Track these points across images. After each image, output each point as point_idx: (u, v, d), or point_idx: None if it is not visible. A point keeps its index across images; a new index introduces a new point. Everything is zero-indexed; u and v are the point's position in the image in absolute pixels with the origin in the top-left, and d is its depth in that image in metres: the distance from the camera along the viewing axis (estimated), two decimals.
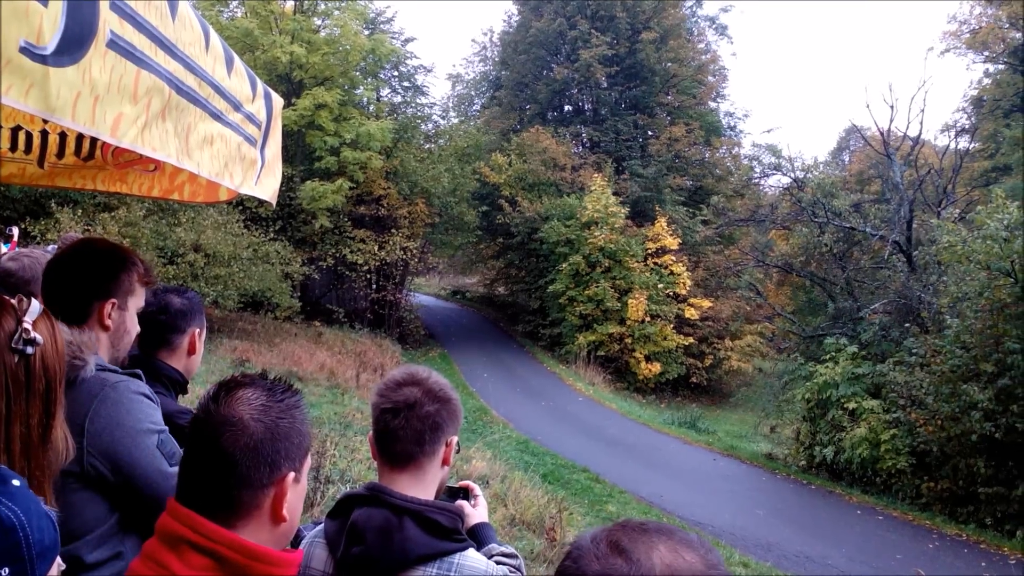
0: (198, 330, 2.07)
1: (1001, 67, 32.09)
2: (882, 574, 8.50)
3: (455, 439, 1.47)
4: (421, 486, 1.41)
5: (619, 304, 23.00)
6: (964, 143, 29.46)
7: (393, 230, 22.64)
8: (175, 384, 2.01)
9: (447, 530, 1.34)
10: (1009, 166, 26.03)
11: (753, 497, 12.09)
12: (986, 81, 32.99)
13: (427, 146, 25.77)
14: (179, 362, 2.04)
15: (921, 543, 10.06)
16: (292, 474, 1.10)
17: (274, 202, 2.19)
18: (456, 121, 29.85)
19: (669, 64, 29.31)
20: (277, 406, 1.10)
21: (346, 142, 20.59)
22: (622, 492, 10.98)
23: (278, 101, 2.11)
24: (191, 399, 2.25)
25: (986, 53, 32.21)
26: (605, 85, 29.49)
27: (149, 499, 1.56)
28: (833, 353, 14.53)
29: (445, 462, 1.46)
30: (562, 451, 12.99)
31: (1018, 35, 31.36)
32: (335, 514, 1.40)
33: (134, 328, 1.83)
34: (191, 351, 2.06)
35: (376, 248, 21.97)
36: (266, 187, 2.11)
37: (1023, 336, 11.08)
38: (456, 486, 1.68)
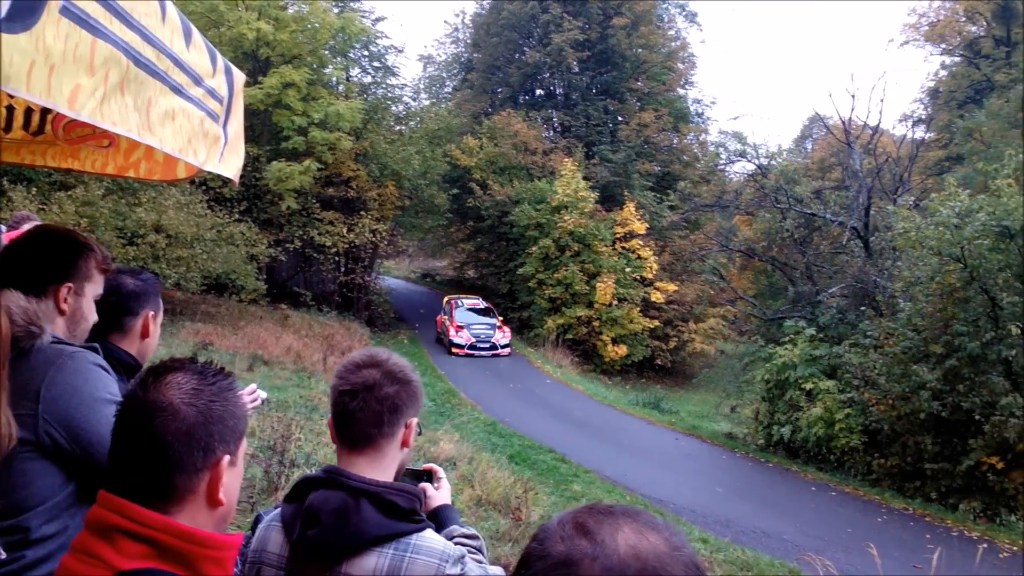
0: (152, 313, 2.02)
1: (957, 60, 32.99)
2: (832, 547, 8.83)
3: (415, 421, 1.47)
4: (380, 468, 1.40)
5: (587, 288, 23.25)
6: (920, 133, 30.28)
7: (362, 212, 22.42)
8: (127, 368, 1.95)
9: (404, 511, 1.34)
10: (962, 155, 26.87)
11: (713, 475, 12.44)
12: (942, 73, 33.94)
13: (397, 128, 25.50)
14: (132, 345, 1.98)
15: (871, 517, 10.49)
16: (227, 457, 1.07)
17: (237, 180, 2.15)
18: (427, 103, 29.60)
19: (640, 50, 29.42)
20: (209, 389, 1.07)
21: (314, 122, 20.24)
22: (587, 472, 11.17)
23: (239, 77, 2.07)
24: None
25: (943, 46, 33.04)
26: (576, 70, 29.49)
27: (105, 469, 1.52)
28: (792, 335, 14.95)
29: (405, 444, 1.45)
30: (530, 432, 13.14)
31: (974, 28, 32.21)
32: (292, 497, 1.39)
33: (91, 315, 1.80)
34: (144, 334, 2.00)
35: (345, 230, 21.74)
36: (230, 165, 2.04)
37: (970, 319, 11.56)
38: (419, 468, 1.68)
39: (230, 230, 16.90)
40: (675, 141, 30.20)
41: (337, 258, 22.95)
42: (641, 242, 24.50)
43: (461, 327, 21.05)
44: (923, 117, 33.20)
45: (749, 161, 21.51)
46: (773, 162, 20.67)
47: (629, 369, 23.64)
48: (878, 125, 20.09)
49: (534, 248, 23.90)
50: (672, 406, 18.51)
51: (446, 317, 22.00)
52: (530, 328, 24.11)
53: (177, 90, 1.56)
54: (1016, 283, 11.18)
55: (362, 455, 1.40)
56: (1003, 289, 11.39)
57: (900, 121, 33.96)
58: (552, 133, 30.29)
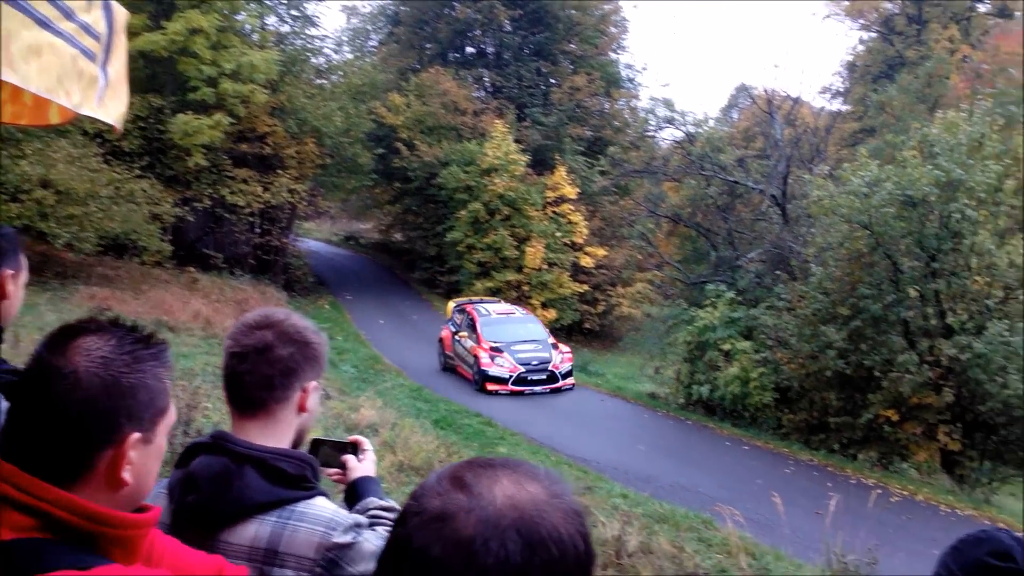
0: (11, 272, 1.82)
1: (873, 35, 34.46)
2: (743, 498, 9.32)
3: (314, 384, 1.40)
4: (273, 434, 1.34)
5: (517, 252, 23.27)
6: (838, 105, 31.64)
7: (279, 171, 21.33)
8: None
9: (293, 478, 1.29)
10: (875, 128, 28.32)
11: (636, 434, 12.85)
12: (860, 48, 35.38)
13: (318, 81, 24.26)
14: None
15: (779, 468, 11.13)
16: (137, 434, 0.97)
17: (120, 126, 1.96)
18: (351, 56, 28.26)
19: (572, 12, 29.08)
20: (122, 359, 0.96)
21: (225, 73, 18.91)
22: (513, 434, 11.27)
23: (121, 12, 1.85)
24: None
25: (861, 21, 34.38)
26: (509, 28, 28.90)
27: None
28: (713, 299, 15.50)
29: (303, 408, 1.39)
30: (456, 397, 13.14)
31: (890, 5, 33.66)
32: (180, 463, 1.34)
33: None
34: (3, 295, 1.81)
35: (260, 190, 20.62)
36: (110, 109, 1.87)
37: (874, 283, 12.30)
38: (344, 440, 1.64)
39: (130, 187, 15.75)
40: (606, 106, 30.26)
41: (252, 219, 21.81)
42: (572, 207, 24.64)
43: (497, 350, 14.11)
44: (841, 90, 34.70)
45: (677, 128, 21.88)
46: (700, 130, 21.08)
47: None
48: (798, 96, 20.83)
49: (463, 211, 23.61)
50: (599, 368, 18.95)
51: (464, 335, 14.87)
52: (459, 292, 23.96)
53: (43, 23, 1.42)
54: (916, 249, 11.91)
55: (254, 420, 1.35)
56: (905, 255, 12.11)
57: (820, 93, 35.31)
58: (483, 93, 29.72)
